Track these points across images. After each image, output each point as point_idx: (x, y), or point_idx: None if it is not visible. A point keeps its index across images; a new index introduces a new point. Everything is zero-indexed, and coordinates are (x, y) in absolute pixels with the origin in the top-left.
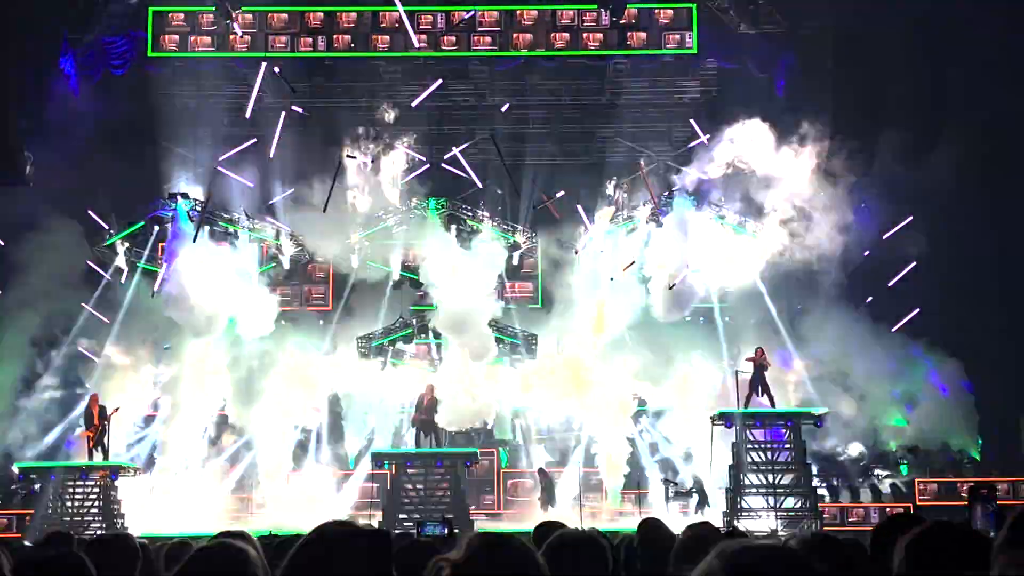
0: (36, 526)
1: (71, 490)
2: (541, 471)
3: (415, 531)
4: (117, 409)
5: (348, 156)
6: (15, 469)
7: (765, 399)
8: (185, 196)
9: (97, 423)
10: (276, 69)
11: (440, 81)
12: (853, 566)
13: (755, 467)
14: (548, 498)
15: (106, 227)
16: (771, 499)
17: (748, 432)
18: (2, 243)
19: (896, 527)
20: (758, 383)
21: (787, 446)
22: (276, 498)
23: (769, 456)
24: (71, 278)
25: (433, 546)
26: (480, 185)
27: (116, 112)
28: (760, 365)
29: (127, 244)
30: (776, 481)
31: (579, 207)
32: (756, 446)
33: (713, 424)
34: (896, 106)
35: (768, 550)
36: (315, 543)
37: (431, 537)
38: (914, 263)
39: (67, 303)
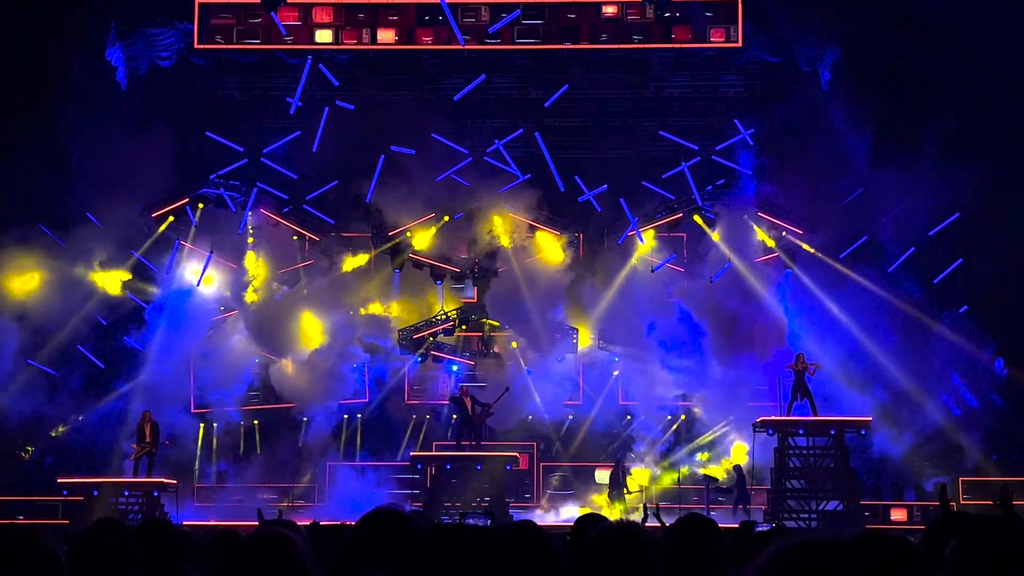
0: (83, 519)
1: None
2: (616, 463)
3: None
4: (170, 441)
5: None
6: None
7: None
8: (230, 181)
9: (149, 439)
10: (320, 64)
11: (483, 76)
12: (902, 564)
13: (797, 473)
14: (617, 493)
15: (147, 211)
16: (813, 502)
17: (791, 439)
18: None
19: (950, 525)
20: (799, 389)
21: (830, 452)
22: (317, 489)
23: (811, 462)
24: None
25: (478, 530)
26: (522, 178)
27: (162, 104)
28: (802, 370)
29: (172, 217)
30: (818, 485)
31: (622, 201)
32: (798, 452)
33: (755, 431)
34: (944, 100)
35: (827, 544)
36: (370, 529)
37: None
38: (960, 260)
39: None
